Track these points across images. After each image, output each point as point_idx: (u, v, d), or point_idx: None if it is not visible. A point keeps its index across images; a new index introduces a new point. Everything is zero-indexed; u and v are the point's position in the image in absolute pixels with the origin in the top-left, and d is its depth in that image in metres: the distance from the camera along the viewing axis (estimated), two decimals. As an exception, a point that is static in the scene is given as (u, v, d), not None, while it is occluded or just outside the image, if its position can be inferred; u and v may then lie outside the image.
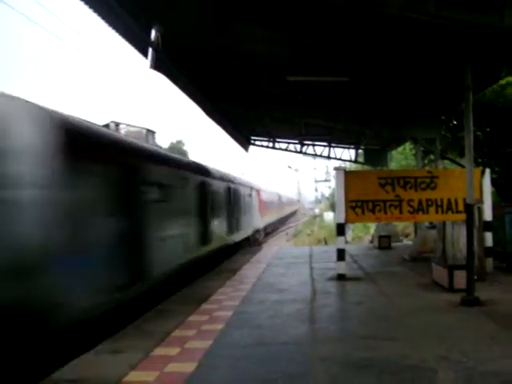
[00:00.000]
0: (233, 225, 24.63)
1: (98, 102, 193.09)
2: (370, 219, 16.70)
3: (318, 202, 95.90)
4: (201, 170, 19.01)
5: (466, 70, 10.66)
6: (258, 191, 37.42)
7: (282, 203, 69.32)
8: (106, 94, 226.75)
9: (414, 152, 23.81)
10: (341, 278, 14.32)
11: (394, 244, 23.49)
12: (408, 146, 28.47)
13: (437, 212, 14.73)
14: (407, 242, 27.27)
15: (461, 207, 14.26)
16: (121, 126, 14.54)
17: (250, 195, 32.19)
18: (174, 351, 7.79)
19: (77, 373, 7.00)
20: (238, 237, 26.48)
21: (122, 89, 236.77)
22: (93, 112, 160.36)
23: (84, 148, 9.57)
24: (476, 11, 7.39)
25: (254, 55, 14.34)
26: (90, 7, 10.20)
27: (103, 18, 10.70)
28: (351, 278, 14.37)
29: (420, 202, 14.68)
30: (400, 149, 31.69)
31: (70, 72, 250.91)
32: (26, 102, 8.34)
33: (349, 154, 30.20)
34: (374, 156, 28.77)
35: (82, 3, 9.98)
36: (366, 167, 31.42)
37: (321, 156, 30.29)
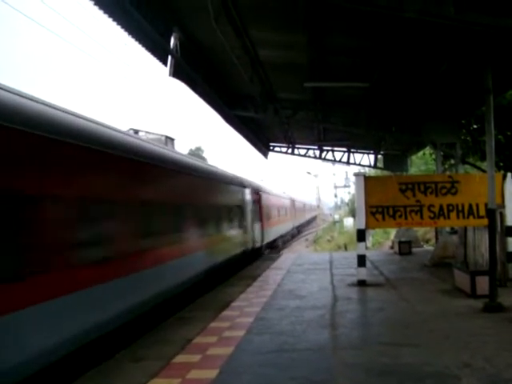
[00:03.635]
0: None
1: (117, 110, 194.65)
2: (390, 225, 16.64)
3: (337, 207, 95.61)
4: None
5: (487, 73, 10.55)
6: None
7: (311, 209, 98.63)
8: (126, 102, 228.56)
9: (434, 157, 23.63)
10: (361, 284, 14.24)
11: (414, 250, 23.30)
12: (428, 150, 28.28)
13: (458, 217, 14.58)
14: (428, 247, 27.06)
15: (482, 212, 14.09)
16: (140, 133, 14.61)
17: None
18: (195, 358, 7.79)
19: (100, 380, 7.04)
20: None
21: (141, 96, 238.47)
22: (113, 119, 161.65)
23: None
24: (496, 14, 7.32)
25: (273, 61, 14.36)
26: (110, 16, 10.32)
27: (123, 27, 10.81)
28: (372, 284, 14.29)
29: (441, 208, 14.55)
30: (420, 154, 31.48)
31: (89, 80, 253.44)
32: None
33: (368, 159, 30.11)
34: (394, 161, 28.62)
35: (101, 12, 10.11)
36: (386, 172, 31.24)
37: (340, 161, 30.21)
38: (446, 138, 18.95)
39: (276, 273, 17.79)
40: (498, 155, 17.63)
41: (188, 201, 14.05)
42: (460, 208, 14.53)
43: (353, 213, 60.71)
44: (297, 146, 29.00)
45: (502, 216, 13.64)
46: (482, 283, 11.25)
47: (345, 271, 17.09)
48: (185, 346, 8.52)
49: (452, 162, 20.75)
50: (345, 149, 29.01)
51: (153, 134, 15.01)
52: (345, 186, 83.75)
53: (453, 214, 14.56)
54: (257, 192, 27.91)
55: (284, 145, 29.44)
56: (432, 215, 14.59)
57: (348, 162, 29.92)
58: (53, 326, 7.08)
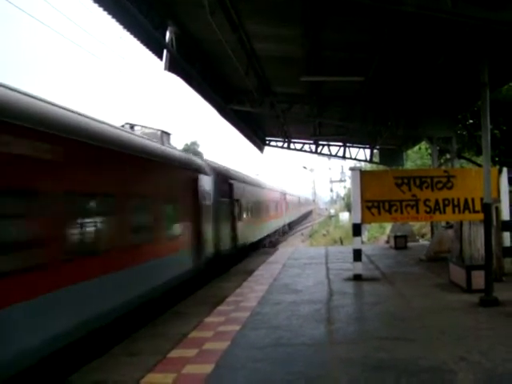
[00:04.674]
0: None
1: (113, 104, 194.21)
2: (386, 219, 16.64)
3: (333, 202, 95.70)
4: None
5: (483, 67, 10.52)
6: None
7: (309, 204, 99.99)
8: (121, 96, 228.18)
9: (429, 151, 23.64)
10: (357, 278, 14.24)
11: (410, 244, 23.35)
12: (423, 145, 28.30)
13: (454, 212, 14.58)
14: (424, 242, 27.09)
15: (478, 207, 14.09)
16: (136, 128, 14.56)
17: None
18: (191, 353, 7.77)
19: (95, 375, 7.02)
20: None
21: (136, 90, 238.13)
22: (108, 114, 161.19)
23: None
24: (493, 8, 7.30)
25: (269, 54, 14.32)
26: (105, 9, 10.26)
27: (118, 20, 10.75)
28: (368, 279, 14.29)
29: (437, 202, 14.54)
30: (415, 148, 31.50)
31: (84, 74, 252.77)
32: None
33: (364, 153, 30.10)
34: (390, 155, 28.62)
35: (97, 5, 10.05)
36: (382, 167, 31.24)
37: (336, 156, 30.16)
38: (442, 133, 18.94)
39: (272, 267, 17.78)
40: (494, 150, 17.68)
41: None
42: (456, 202, 14.52)
43: (348, 207, 60.79)
44: (293, 140, 28.95)
45: (498, 210, 13.65)
46: (478, 278, 11.26)
47: (340, 265, 17.08)
48: (180, 341, 8.50)
49: (448, 156, 20.78)
50: (340, 143, 28.96)
51: (148, 128, 14.96)
52: (340, 181, 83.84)
53: (448, 209, 14.55)
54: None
55: (280, 139, 29.42)
56: (428, 210, 14.58)
57: (344, 157, 29.88)
58: None
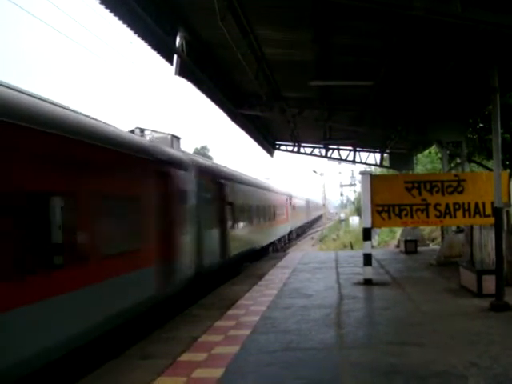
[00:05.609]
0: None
1: (123, 108, 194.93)
2: (396, 224, 16.63)
3: (343, 206, 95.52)
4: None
5: (493, 72, 10.52)
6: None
7: (320, 208, 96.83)
8: (132, 101, 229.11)
9: (439, 155, 23.56)
10: (367, 282, 14.22)
11: (420, 248, 23.27)
12: (434, 149, 28.20)
13: (464, 216, 14.54)
14: (434, 246, 26.99)
15: (488, 211, 14.05)
16: (146, 132, 14.61)
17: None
18: (201, 357, 7.79)
19: (105, 378, 7.05)
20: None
21: (147, 95, 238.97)
22: (118, 118, 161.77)
23: None
24: (503, 12, 7.29)
25: (279, 59, 14.35)
26: (115, 15, 10.31)
27: (129, 26, 10.80)
28: (378, 283, 14.26)
29: (447, 206, 14.50)
30: (425, 152, 31.40)
31: (95, 79, 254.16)
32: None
33: (374, 157, 29.98)
34: (400, 160, 28.48)
35: (108, 11, 10.11)
36: (392, 171, 31.14)
37: (346, 160, 30.10)
38: (452, 137, 18.87)
39: (282, 271, 17.78)
40: (505, 154, 17.58)
41: None
42: (466, 207, 14.48)
43: (358, 211, 60.63)
44: (303, 144, 28.90)
45: (509, 214, 13.59)
46: (489, 282, 11.23)
47: (351, 270, 17.07)
48: (191, 345, 8.53)
49: (458, 160, 20.69)
50: (351, 147, 28.91)
51: (158, 132, 15.02)
52: (351, 185, 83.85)
53: (459, 213, 14.51)
54: None
55: (290, 143, 29.37)
56: (438, 214, 14.55)
57: (354, 161, 29.81)
58: None
